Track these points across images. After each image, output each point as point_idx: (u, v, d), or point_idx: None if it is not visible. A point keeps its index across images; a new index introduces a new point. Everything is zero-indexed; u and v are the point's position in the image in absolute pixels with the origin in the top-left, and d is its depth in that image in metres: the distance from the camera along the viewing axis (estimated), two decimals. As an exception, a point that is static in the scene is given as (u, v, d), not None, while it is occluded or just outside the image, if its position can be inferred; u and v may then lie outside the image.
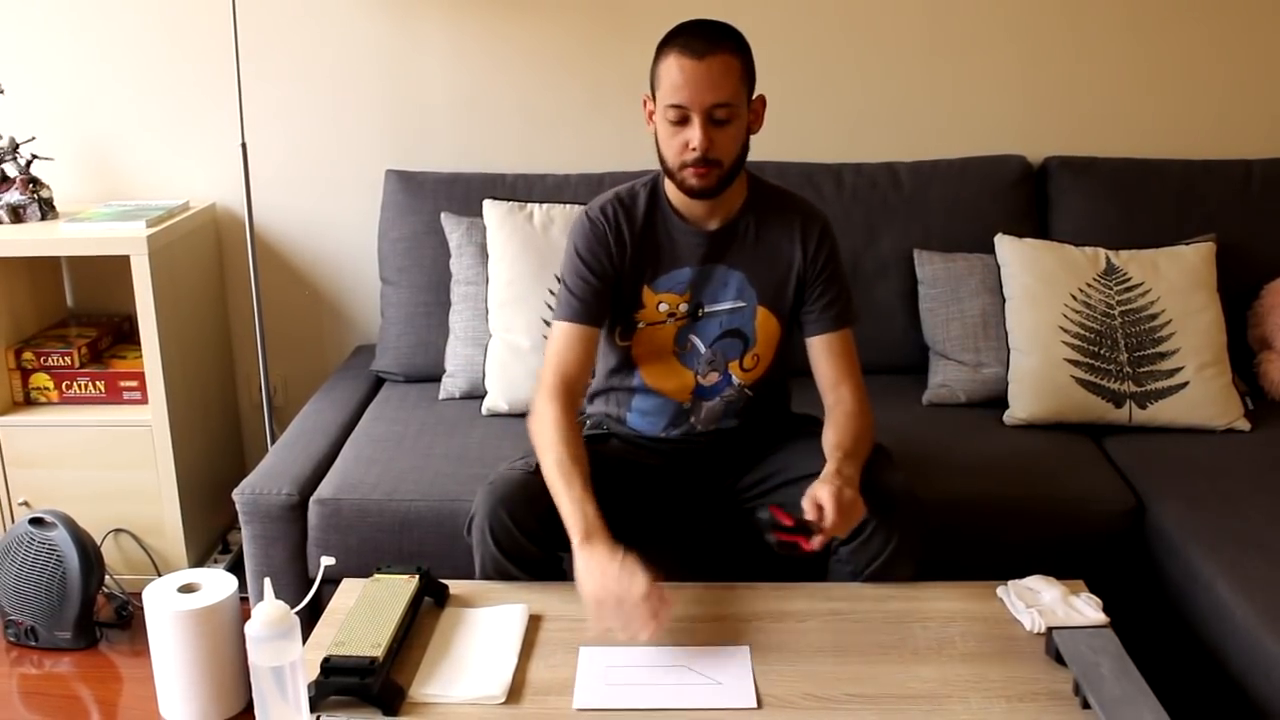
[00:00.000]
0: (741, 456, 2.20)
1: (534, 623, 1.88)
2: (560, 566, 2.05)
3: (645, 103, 2.04)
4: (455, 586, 1.97)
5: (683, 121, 1.95)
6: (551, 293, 2.65)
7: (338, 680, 1.65)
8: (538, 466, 1.99)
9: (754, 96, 2.03)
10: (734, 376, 2.14)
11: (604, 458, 2.14)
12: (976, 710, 1.64)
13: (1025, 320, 2.64)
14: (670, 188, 2.08)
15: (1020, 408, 2.61)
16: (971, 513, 2.30)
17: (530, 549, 1.98)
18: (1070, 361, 2.58)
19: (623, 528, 1.89)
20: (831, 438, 2.01)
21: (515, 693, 1.70)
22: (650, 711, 1.64)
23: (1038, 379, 2.59)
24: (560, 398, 2.03)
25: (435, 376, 2.85)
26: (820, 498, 1.83)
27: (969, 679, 1.71)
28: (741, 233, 2.10)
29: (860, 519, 1.86)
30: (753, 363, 2.14)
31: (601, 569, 1.76)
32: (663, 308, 2.11)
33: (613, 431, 2.23)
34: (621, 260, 2.09)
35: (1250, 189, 2.84)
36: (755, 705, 1.65)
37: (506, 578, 1.99)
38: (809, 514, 1.82)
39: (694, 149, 1.95)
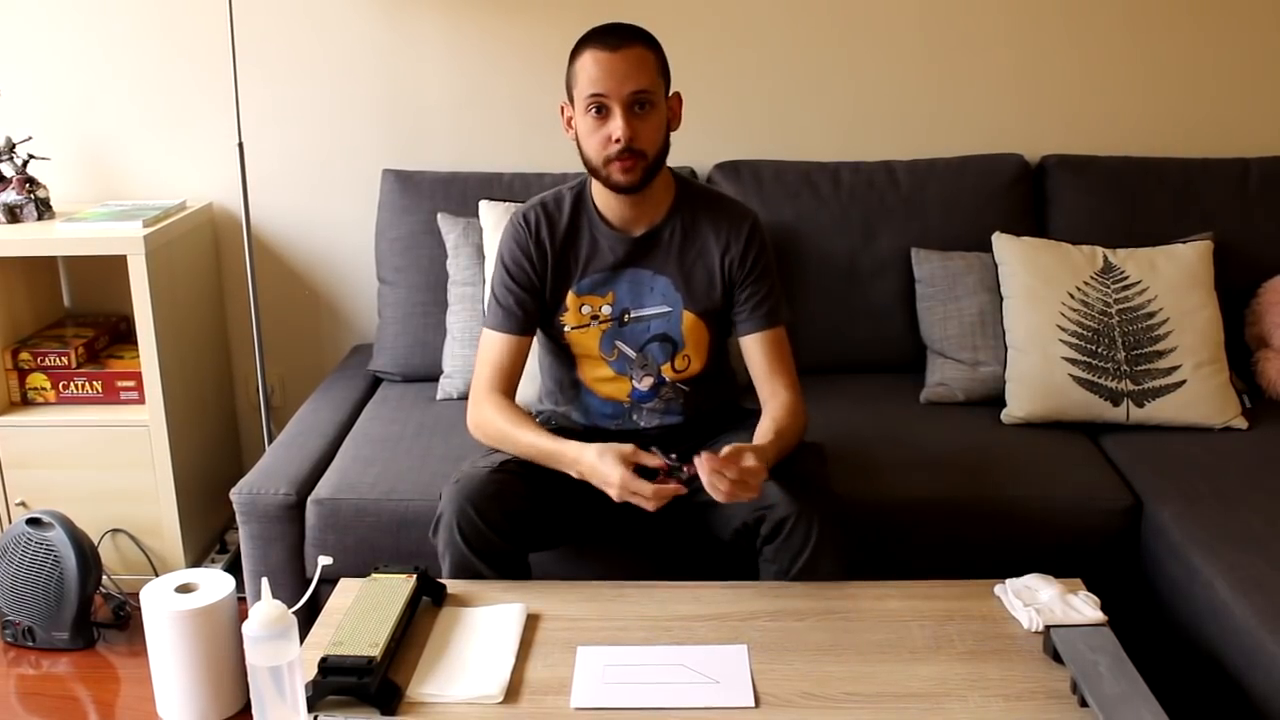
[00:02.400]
0: (689, 447, 2.20)
1: (532, 622, 1.88)
2: (527, 564, 2.07)
3: (563, 110, 2.08)
4: (453, 586, 1.97)
5: (603, 113, 1.99)
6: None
7: (335, 680, 1.65)
8: (502, 464, 2.02)
9: (670, 93, 2.06)
10: (667, 376, 2.17)
11: (568, 434, 2.16)
12: (974, 709, 1.64)
13: (1023, 319, 2.64)
14: (597, 190, 2.11)
15: (1018, 406, 2.61)
16: (969, 511, 2.30)
17: (499, 544, 1.98)
18: (1068, 360, 2.58)
19: (574, 523, 2.03)
20: (764, 429, 2.04)
21: (513, 692, 1.70)
22: (648, 710, 1.64)
23: (1035, 377, 2.59)
24: (497, 397, 2.10)
25: (433, 376, 2.85)
26: (746, 456, 1.87)
27: (967, 678, 1.71)
28: (667, 238, 2.11)
29: (752, 495, 1.87)
30: (684, 364, 2.17)
31: (609, 468, 1.90)
32: (585, 310, 2.13)
33: (565, 426, 2.24)
34: (544, 267, 2.12)
35: (1248, 187, 2.84)
36: (753, 704, 1.65)
37: (474, 578, 2.00)
38: (708, 461, 1.85)
39: (617, 140, 1.98)
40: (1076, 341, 2.59)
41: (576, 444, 1.97)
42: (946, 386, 2.74)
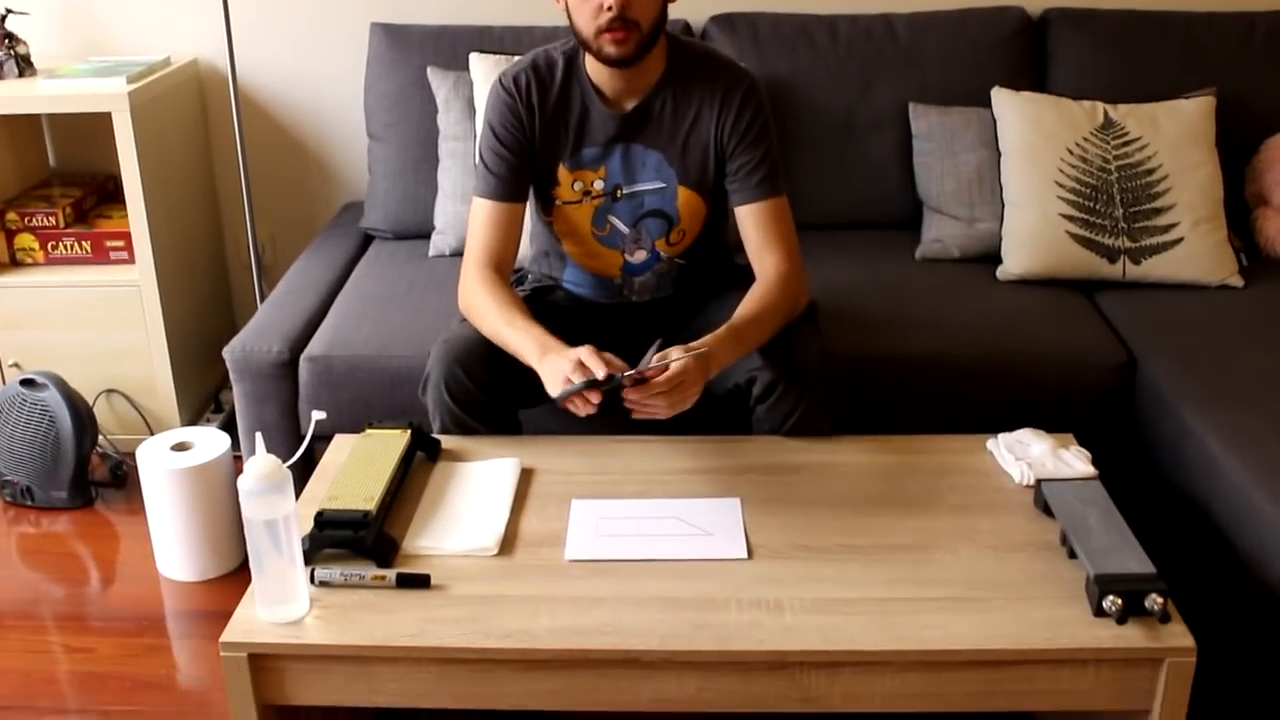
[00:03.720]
0: (679, 317, 2.20)
1: (526, 476, 1.89)
2: (518, 420, 2.07)
3: None
4: (447, 441, 1.98)
5: None
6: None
7: (331, 533, 1.66)
8: None
9: None
10: (661, 252, 2.13)
11: (553, 305, 2.15)
12: (965, 560, 1.65)
13: (1021, 175, 2.61)
14: (589, 61, 2.03)
15: (1014, 263, 2.60)
16: (964, 368, 2.31)
17: (487, 402, 1.98)
18: (1065, 217, 2.56)
19: None
20: (737, 309, 1.96)
21: (508, 544, 1.71)
22: (641, 562, 1.66)
23: (1032, 234, 2.58)
24: (487, 273, 2.03)
25: (425, 233, 2.83)
26: (669, 360, 1.79)
27: (958, 530, 1.73)
28: (658, 110, 2.05)
29: (687, 405, 1.80)
30: (679, 238, 2.13)
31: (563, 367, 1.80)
32: (577, 186, 2.08)
33: (552, 301, 2.22)
34: (534, 131, 2.05)
35: (1253, 42, 2.79)
36: (745, 555, 1.67)
37: (466, 434, 2.00)
38: (631, 393, 1.79)
39: (609, 8, 1.89)
40: (1074, 198, 2.56)
41: (541, 333, 1.90)
42: (943, 243, 2.72)
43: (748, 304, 1.97)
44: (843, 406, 2.04)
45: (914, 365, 2.32)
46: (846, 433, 1.99)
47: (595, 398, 1.77)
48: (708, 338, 1.86)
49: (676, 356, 1.79)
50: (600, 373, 1.76)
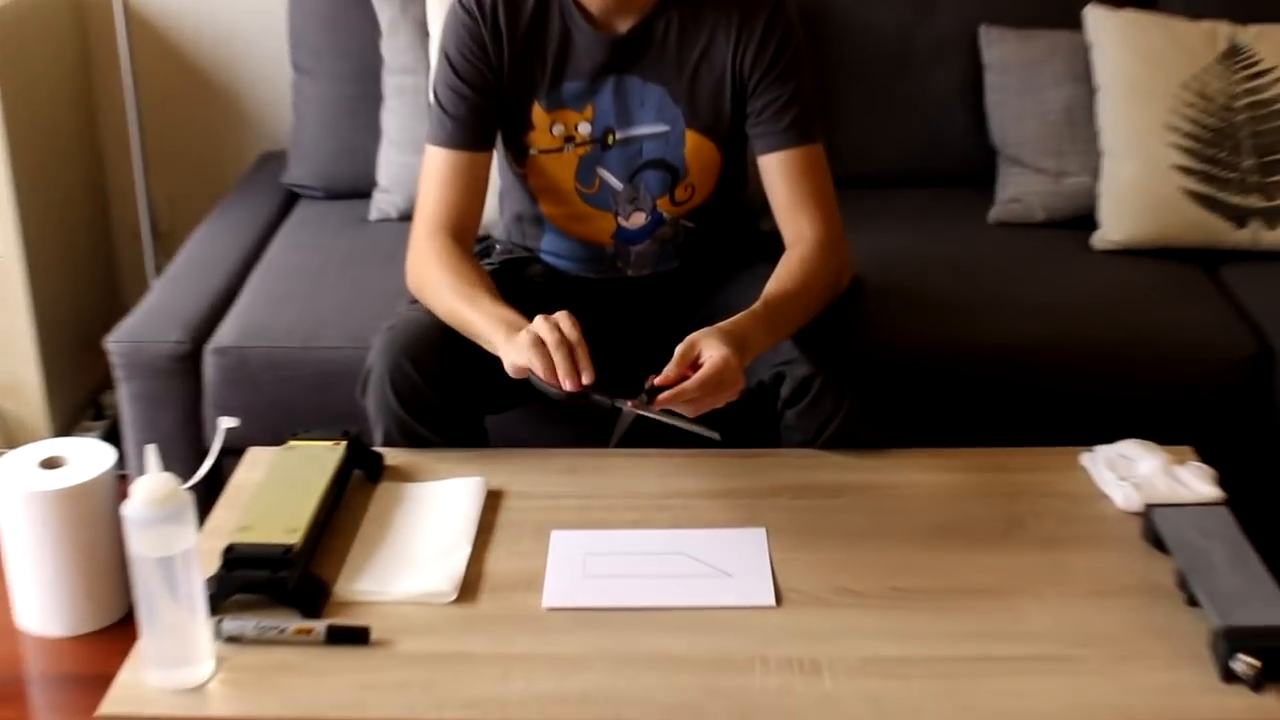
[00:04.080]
0: (688, 296, 2.19)
1: (493, 501, 1.88)
2: (483, 428, 2.07)
3: None
4: (391, 456, 1.97)
5: None
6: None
7: (244, 574, 1.65)
8: None
9: None
10: (664, 213, 2.13)
11: (527, 282, 2.15)
12: (1053, 608, 1.65)
13: (1122, 116, 2.62)
14: None
15: (1114, 228, 2.61)
16: (1050, 362, 2.32)
17: (443, 405, 1.98)
18: (1179, 169, 2.56)
19: None
20: (767, 286, 1.96)
21: (469, 589, 1.70)
22: (640, 611, 1.65)
23: (1137, 191, 2.59)
24: (444, 240, 2.03)
25: (365, 192, 2.84)
26: (702, 352, 1.77)
27: (1044, 569, 1.72)
28: (660, 35, 2.05)
29: (729, 400, 1.79)
30: (686, 195, 2.13)
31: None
32: (557, 130, 2.07)
33: (531, 259, 2.22)
34: (501, 63, 2.05)
35: None
36: (773, 602, 1.66)
37: (416, 445, 2.00)
38: (671, 369, 1.77)
39: None
40: (1191, 145, 2.57)
41: (518, 322, 1.86)
42: (1022, 203, 2.73)
43: (778, 279, 1.97)
44: (896, 411, 2.04)
45: (986, 359, 2.32)
46: (901, 445, 1.98)
47: (585, 371, 1.76)
48: (738, 317, 1.86)
49: (706, 346, 1.77)
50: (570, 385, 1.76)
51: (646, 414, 1.76)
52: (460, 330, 1.95)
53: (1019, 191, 2.74)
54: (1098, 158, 2.66)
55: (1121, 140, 2.62)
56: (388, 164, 2.78)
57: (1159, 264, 2.57)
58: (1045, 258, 2.58)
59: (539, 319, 1.80)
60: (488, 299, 1.92)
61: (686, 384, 1.75)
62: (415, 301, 2.06)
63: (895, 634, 1.60)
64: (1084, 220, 2.68)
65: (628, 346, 2.12)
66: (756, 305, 1.90)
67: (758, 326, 1.87)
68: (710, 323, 1.88)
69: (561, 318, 1.80)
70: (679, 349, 1.78)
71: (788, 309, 1.94)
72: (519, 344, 1.79)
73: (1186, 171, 2.56)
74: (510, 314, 1.88)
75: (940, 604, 1.66)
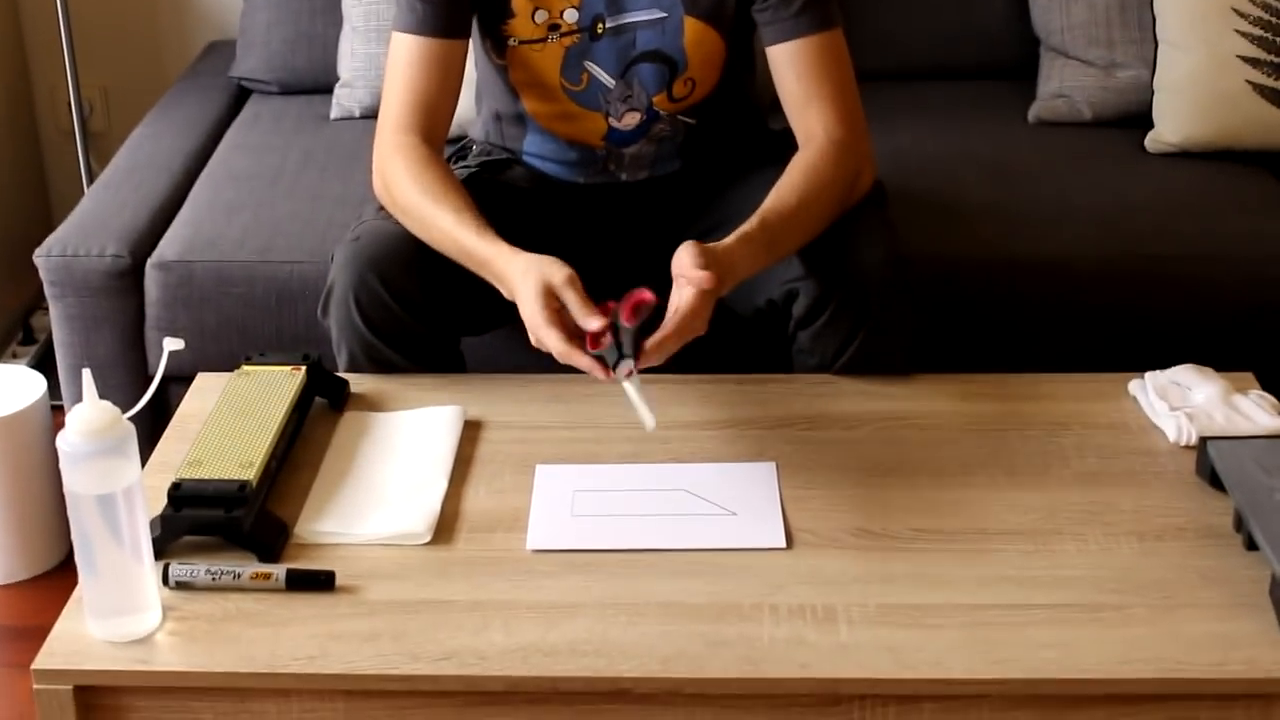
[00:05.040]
0: (690, 201, 2.19)
1: (471, 432, 1.89)
2: (459, 352, 2.08)
3: None
4: (357, 383, 1.98)
5: None
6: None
7: (193, 514, 1.65)
8: None
9: None
10: (661, 110, 2.12)
11: (507, 189, 2.14)
12: (1097, 551, 1.65)
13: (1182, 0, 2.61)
14: None
15: (1170, 128, 2.61)
16: (1096, 277, 2.33)
17: (414, 325, 1.98)
18: (1246, 60, 2.56)
19: None
20: (766, 200, 1.93)
21: (445, 529, 1.71)
22: (635, 554, 1.66)
23: (1197, 85, 2.58)
24: (411, 141, 2.02)
25: (326, 86, 2.84)
26: (686, 273, 1.76)
27: (1086, 508, 1.72)
28: None
29: (692, 336, 1.78)
30: (686, 90, 2.12)
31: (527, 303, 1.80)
32: (540, 18, 2.06)
33: (512, 162, 2.22)
34: None
35: None
36: (783, 544, 1.67)
37: (384, 370, 2.01)
38: (686, 282, 1.77)
39: None
40: (1259, 33, 2.56)
41: (508, 255, 1.87)
42: (1068, 99, 2.73)
43: (779, 192, 1.94)
44: (922, 332, 2.05)
45: (1024, 275, 2.33)
46: (927, 370, 1.99)
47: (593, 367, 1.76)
48: (728, 238, 1.85)
49: (683, 281, 1.77)
50: (594, 324, 1.75)
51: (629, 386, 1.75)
52: (435, 247, 1.96)
53: (1064, 86, 2.73)
54: (1153, 48, 2.65)
55: (1180, 28, 2.60)
56: (350, 55, 2.77)
57: (1220, 168, 2.56)
58: (1092, 161, 2.58)
59: (531, 326, 1.79)
60: (472, 218, 1.91)
61: (666, 336, 1.74)
62: (383, 210, 2.07)
63: (918, 579, 1.61)
64: (1137, 119, 2.67)
65: (622, 258, 2.13)
66: (751, 224, 1.88)
67: (749, 249, 1.85)
68: (714, 233, 1.88)
69: (548, 335, 1.77)
70: (677, 270, 1.78)
71: (787, 228, 1.92)
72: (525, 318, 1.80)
73: (1253, 63, 2.55)
74: (506, 250, 1.87)
75: (969, 547, 1.67)
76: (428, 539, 1.69)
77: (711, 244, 1.83)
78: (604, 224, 2.15)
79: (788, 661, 1.50)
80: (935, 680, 1.49)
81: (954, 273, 2.30)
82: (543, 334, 1.77)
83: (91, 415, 1.49)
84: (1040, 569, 1.63)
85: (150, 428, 1.96)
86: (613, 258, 2.15)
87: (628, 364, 1.73)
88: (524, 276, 1.81)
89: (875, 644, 1.52)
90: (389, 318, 1.98)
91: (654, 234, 2.11)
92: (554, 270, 1.80)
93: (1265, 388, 1.93)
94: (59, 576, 2.44)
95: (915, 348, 2.02)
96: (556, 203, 2.16)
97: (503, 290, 1.87)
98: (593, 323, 1.74)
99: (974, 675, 1.49)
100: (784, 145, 2.08)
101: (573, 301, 1.77)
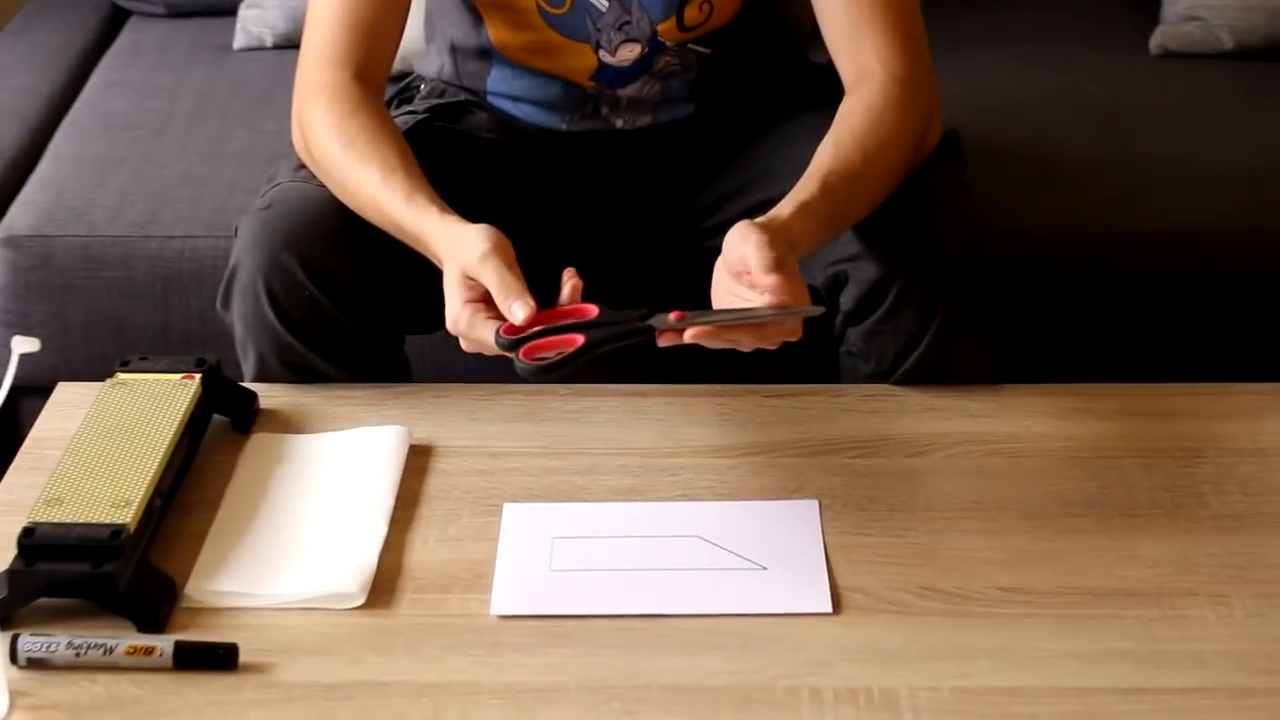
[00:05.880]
0: (706, 155, 2.20)
1: (419, 460, 1.89)
2: (402, 354, 2.09)
3: None
4: (268, 395, 1.99)
5: None
6: None
7: (51, 569, 1.65)
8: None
9: None
10: (666, 40, 2.13)
11: (464, 140, 2.16)
12: (1243, 618, 1.65)
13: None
14: None
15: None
16: (1238, 256, 2.35)
17: (346, 321, 1.99)
18: None
19: None
20: (819, 156, 1.92)
21: (383, 589, 1.71)
22: (635, 621, 1.66)
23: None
24: (341, 78, 2.02)
25: (228, 7, 2.85)
26: (753, 253, 1.72)
27: (1229, 561, 1.72)
28: None
29: (791, 336, 1.76)
30: (700, 13, 2.12)
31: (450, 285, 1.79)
32: None
33: (474, 106, 2.24)
34: None
35: None
36: (829, 608, 1.67)
37: (304, 378, 2.01)
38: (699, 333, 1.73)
39: None
40: None
41: (437, 224, 1.87)
42: (1202, 23, 2.75)
43: (846, 134, 1.94)
44: (1011, 330, 2.04)
45: (1144, 253, 2.35)
46: (1016, 380, 1.99)
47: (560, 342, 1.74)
48: (778, 209, 1.83)
49: (748, 240, 1.73)
50: (518, 313, 1.73)
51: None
52: (365, 218, 1.96)
53: (1196, 5, 2.74)
54: (1311, -45, 2.67)
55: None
56: (261, -36, 2.78)
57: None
58: (1232, 104, 2.60)
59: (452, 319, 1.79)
60: (401, 182, 1.91)
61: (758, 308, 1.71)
62: (303, 168, 2.06)
63: (1005, 655, 1.60)
64: (1286, 48, 2.69)
65: (615, 229, 2.13)
66: (809, 189, 1.86)
67: (811, 224, 1.83)
68: (736, 198, 1.88)
69: (479, 333, 1.76)
70: (732, 249, 1.74)
71: (852, 193, 1.91)
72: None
73: None
74: (433, 222, 1.87)
75: (1073, 612, 1.66)
76: (360, 601, 1.69)
77: (763, 220, 1.80)
78: (593, 184, 2.16)
79: (835, 766, 1.50)
80: (1031, 793, 1.49)
81: (1050, 252, 2.30)
82: (468, 334, 1.77)
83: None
84: (1168, 641, 1.62)
85: (-3, 452, 1.96)
86: (603, 228, 2.15)
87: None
88: (448, 257, 1.81)
89: (950, 743, 1.52)
90: (311, 311, 1.98)
91: (658, 198, 2.12)
92: (474, 244, 1.78)
93: None
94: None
95: (1002, 350, 2.01)
96: (530, 156, 2.17)
97: (437, 244, 1.86)
98: (518, 310, 1.72)
99: (1082, 786, 1.49)
100: (827, 83, 2.09)
101: (492, 279, 1.74)
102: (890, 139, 1.96)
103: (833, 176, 1.88)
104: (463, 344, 1.80)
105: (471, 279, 1.76)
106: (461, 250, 1.78)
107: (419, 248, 1.88)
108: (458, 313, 1.76)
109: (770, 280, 1.68)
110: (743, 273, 1.73)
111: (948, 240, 1.96)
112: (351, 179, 1.94)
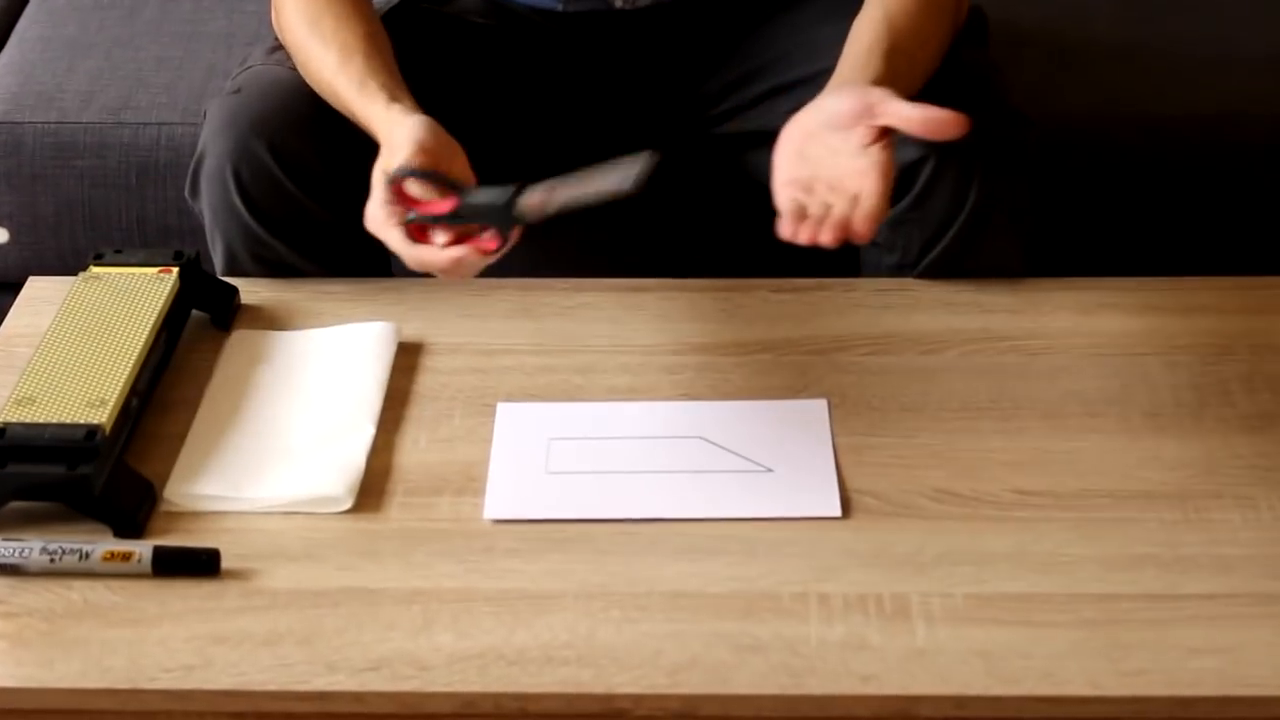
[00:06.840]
0: (717, 36, 2.19)
1: (409, 358, 1.90)
2: (381, 249, 2.07)
3: None
4: (248, 290, 1.99)
5: None
6: None
7: (23, 471, 1.66)
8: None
9: None
10: None
11: (450, 25, 2.16)
12: (1271, 522, 1.66)
13: None
14: None
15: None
16: (1274, 143, 2.33)
17: (317, 210, 2.00)
18: None
19: (483, 157, 1.87)
20: (870, 27, 1.91)
21: (372, 492, 1.72)
22: (635, 525, 1.67)
23: None
24: None
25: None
26: (875, 94, 1.71)
27: (1257, 463, 1.73)
28: None
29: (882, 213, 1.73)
30: None
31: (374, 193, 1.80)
32: None
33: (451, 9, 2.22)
34: None
35: None
36: (838, 512, 1.68)
37: (282, 271, 2.02)
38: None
39: None
40: None
41: (381, 114, 1.88)
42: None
43: (889, 9, 1.91)
44: (1039, 218, 2.05)
45: (1177, 139, 2.34)
46: (1038, 273, 2.00)
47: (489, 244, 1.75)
48: (842, 73, 1.84)
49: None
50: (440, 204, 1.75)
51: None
52: (332, 105, 1.97)
53: None
54: None
55: None
56: None
57: None
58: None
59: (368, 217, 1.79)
60: (357, 67, 1.92)
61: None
62: (277, 48, 2.07)
63: (1023, 560, 1.61)
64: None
65: (616, 119, 2.13)
66: (874, 62, 1.84)
67: (881, 71, 1.83)
68: (752, 83, 1.88)
69: (386, 234, 1.78)
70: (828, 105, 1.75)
71: (910, 65, 1.90)
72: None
73: None
74: (378, 111, 1.87)
75: (1092, 515, 1.67)
76: (348, 505, 1.70)
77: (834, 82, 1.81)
78: (591, 70, 2.15)
79: (843, 673, 1.50)
80: (1045, 699, 1.49)
81: (1076, 140, 2.29)
82: (377, 234, 1.78)
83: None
84: (1192, 546, 1.63)
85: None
86: (603, 118, 2.15)
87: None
88: (382, 151, 1.82)
89: (963, 649, 1.52)
90: (280, 199, 1.99)
91: (661, 84, 2.11)
92: (401, 144, 1.79)
93: None
94: None
95: (1035, 242, 2.02)
96: (524, 40, 2.16)
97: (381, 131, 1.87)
98: (440, 203, 1.75)
99: (1099, 692, 1.49)
100: None
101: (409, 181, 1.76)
102: (924, 11, 1.94)
103: (894, 52, 1.88)
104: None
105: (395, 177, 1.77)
106: (391, 148, 1.80)
107: (372, 136, 1.89)
108: (373, 212, 1.78)
109: (903, 106, 1.68)
110: (857, 118, 1.70)
111: (985, 121, 1.93)
112: (314, 61, 1.95)
